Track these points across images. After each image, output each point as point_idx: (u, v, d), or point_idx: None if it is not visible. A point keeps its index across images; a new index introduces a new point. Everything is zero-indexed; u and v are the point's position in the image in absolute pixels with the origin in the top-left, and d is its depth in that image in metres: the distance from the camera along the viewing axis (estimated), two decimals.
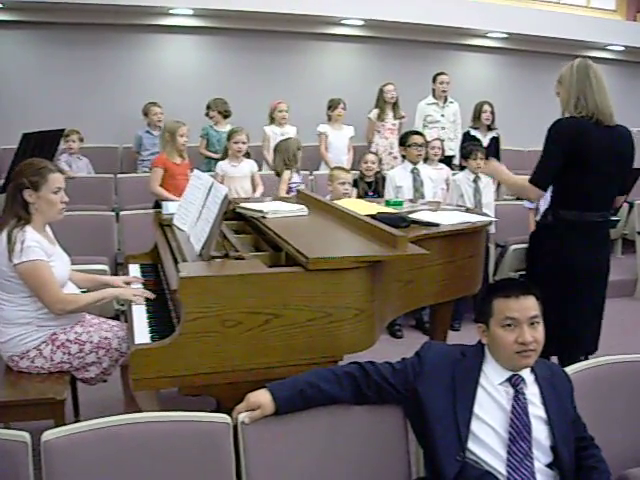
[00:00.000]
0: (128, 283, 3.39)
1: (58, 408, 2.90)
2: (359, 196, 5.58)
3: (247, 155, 6.12)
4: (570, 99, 3.41)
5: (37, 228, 3.11)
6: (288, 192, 5.69)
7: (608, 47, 10.17)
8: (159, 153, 5.79)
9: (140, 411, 2.87)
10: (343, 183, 5.18)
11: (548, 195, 3.62)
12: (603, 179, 3.39)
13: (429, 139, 6.50)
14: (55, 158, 6.54)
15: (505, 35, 9.51)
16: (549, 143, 3.43)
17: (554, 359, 3.49)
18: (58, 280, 3.11)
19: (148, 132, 7.34)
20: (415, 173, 5.56)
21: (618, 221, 7.13)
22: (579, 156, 3.33)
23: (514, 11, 9.21)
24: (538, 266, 3.60)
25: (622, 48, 10.23)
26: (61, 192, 3.18)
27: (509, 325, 2.26)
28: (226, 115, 7.36)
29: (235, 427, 2.23)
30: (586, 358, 3.46)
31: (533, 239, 3.71)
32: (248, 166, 6.03)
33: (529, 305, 2.28)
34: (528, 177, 3.51)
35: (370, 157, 5.97)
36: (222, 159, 6.18)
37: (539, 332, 2.29)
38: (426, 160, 6.10)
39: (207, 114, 7.40)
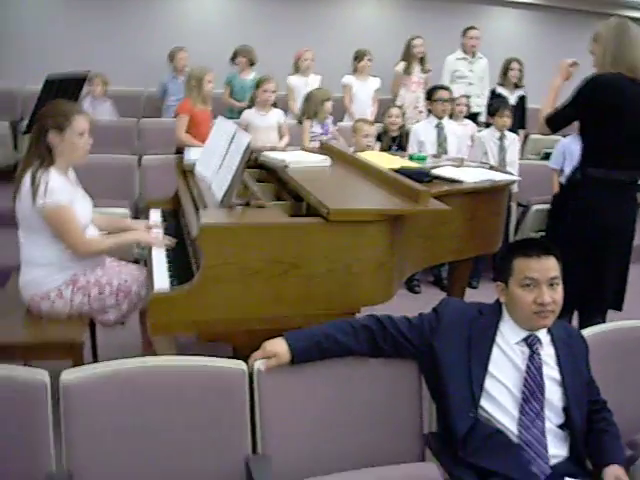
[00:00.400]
0: (149, 228, 3.40)
1: (77, 350, 2.94)
2: (382, 150, 5.54)
3: (274, 104, 6.05)
4: (606, 55, 3.39)
5: (61, 170, 3.11)
6: (311, 141, 5.67)
7: None
8: (184, 99, 5.74)
9: (157, 355, 2.90)
10: (366, 136, 5.16)
11: (575, 154, 3.59)
12: (634, 138, 3.38)
13: (456, 95, 6.42)
14: (79, 101, 6.55)
15: None
16: (579, 95, 3.43)
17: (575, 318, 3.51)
18: (81, 222, 3.13)
19: (174, 77, 7.29)
20: (440, 128, 5.50)
21: None
22: (612, 112, 3.32)
23: None
24: (562, 225, 3.59)
25: None
26: (85, 135, 3.16)
27: (528, 285, 2.25)
28: (252, 63, 7.29)
29: (251, 374, 2.25)
30: (603, 320, 3.47)
31: (558, 198, 3.69)
32: (275, 116, 5.94)
33: (549, 265, 2.26)
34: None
35: (394, 111, 5.91)
36: (249, 107, 6.10)
37: (558, 293, 2.27)
38: (451, 116, 6.04)
39: (233, 60, 7.33)
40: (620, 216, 3.49)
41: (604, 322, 3.39)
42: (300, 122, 5.94)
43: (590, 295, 3.44)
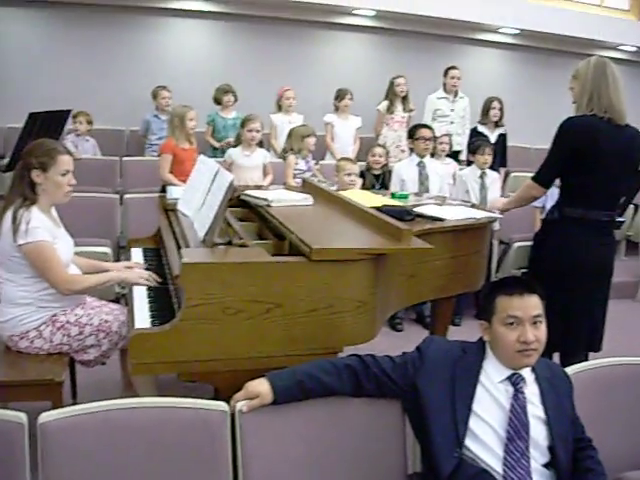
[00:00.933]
0: (127, 268, 3.38)
1: (56, 390, 2.90)
2: (365, 188, 5.56)
3: (260, 144, 6.07)
4: (584, 95, 3.41)
5: (43, 209, 3.10)
6: (294, 178, 5.69)
7: (620, 47, 10.12)
8: (167, 138, 5.76)
9: (138, 396, 2.87)
10: (349, 174, 5.18)
11: (555, 193, 3.61)
12: (610, 178, 3.38)
13: (438, 134, 6.48)
14: (61, 138, 6.55)
15: (517, 31, 9.46)
16: (557, 141, 3.44)
17: (556, 356, 3.49)
18: (62, 261, 3.10)
19: (156, 116, 7.32)
20: (421, 167, 5.53)
21: (623, 222, 7.13)
22: (588, 154, 3.33)
23: (527, 7, 9.14)
24: (542, 263, 3.59)
25: (634, 48, 10.17)
26: (69, 175, 3.16)
27: (511, 324, 2.25)
28: (232, 101, 7.34)
29: (233, 415, 2.22)
30: (586, 358, 3.46)
31: (539, 236, 3.70)
32: (261, 156, 5.95)
33: (532, 304, 2.27)
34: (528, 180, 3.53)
35: (378, 150, 5.94)
36: (234, 146, 6.12)
37: (541, 331, 2.27)
38: (433, 155, 6.08)
39: (215, 100, 7.38)
40: (598, 256, 3.48)
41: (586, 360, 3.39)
42: (284, 158, 5.96)
43: (568, 335, 3.43)
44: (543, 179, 3.55)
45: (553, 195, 3.62)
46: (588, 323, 3.53)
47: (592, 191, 3.41)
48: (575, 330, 3.45)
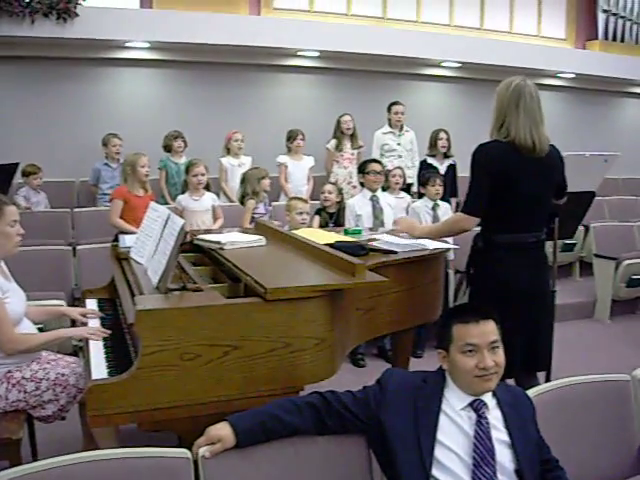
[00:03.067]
0: (84, 315, 3.34)
1: (14, 448, 2.85)
2: (321, 226, 5.58)
3: (207, 187, 6.08)
4: (497, 121, 3.40)
5: None
6: (251, 222, 5.69)
7: (559, 75, 10.39)
8: (119, 185, 5.74)
9: (99, 448, 2.81)
10: (301, 213, 5.20)
11: None
12: (529, 201, 3.36)
13: (389, 168, 6.55)
14: (10, 192, 6.51)
15: (458, 64, 9.66)
16: (474, 169, 3.41)
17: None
18: (14, 317, 3.05)
19: (106, 164, 7.30)
20: (374, 200, 5.58)
21: (574, 244, 7.26)
22: (502, 181, 3.30)
23: (467, 41, 9.36)
24: (478, 295, 3.55)
25: (572, 75, 10.46)
26: (17, 225, 3.14)
27: (470, 351, 2.27)
28: (182, 146, 7.37)
29: (196, 462, 2.19)
30: (536, 379, 3.47)
31: (469, 266, 3.66)
32: (209, 200, 5.98)
33: (488, 329, 2.29)
34: (449, 217, 3.53)
35: (328, 187, 5.98)
36: (182, 192, 6.12)
37: (499, 356, 2.30)
38: (387, 189, 6.14)
39: (165, 147, 7.38)
40: (529, 278, 3.43)
41: (537, 382, 3.40)
42: (242, 203, 5.96)
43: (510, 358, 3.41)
44: (473, 209, 3.45)
45: None
46: (526, 346, 3.46)
47: (514, 215, 3.38)
48: (517, 353, 3.39)
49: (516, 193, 3.33)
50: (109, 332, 3.08)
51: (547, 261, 3.62)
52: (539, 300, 3.52)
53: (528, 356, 3.47)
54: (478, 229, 3.55)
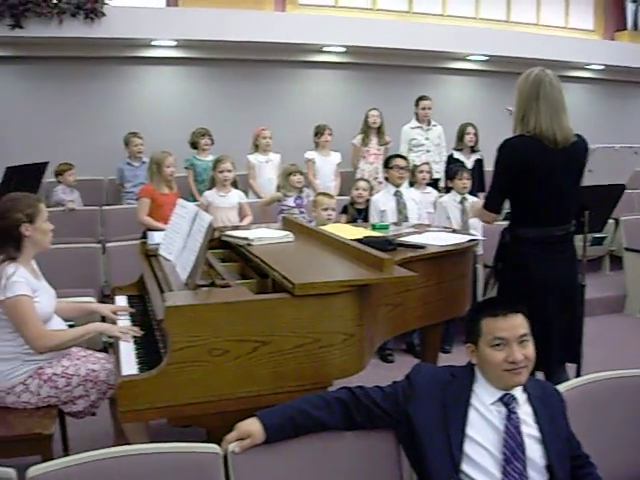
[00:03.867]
0: (115, 312, 3.37)
1: (46, 443, 2.87)
2: (348, 222, 5.58)
3: (234, 184, 6.09)
4: (519, 115, 3.38)
5: (23, 263, 3.10)
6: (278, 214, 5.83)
7: (587, 67, 10.28)
8: (145, 184, 5.77)
9: (129, 444, 2.84)
10: (326, 209, 5.21)
11: None
12: (556, 194, 3.34)
13: (417, 163, 6.53)
14: (51, 190, 6.74)
15: (485, 57, 9.59)
16: (496, 164, 3.42)
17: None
18: (43, 315, 3.09)
19: (129, 164, 7.35)
20: (398, 196, 5.56)
21: (604, 238, 7.18)
22: (527, 175, 3.29)
23: (493, 34, 9.28)
24: (506, 289, 3.54)
25: (601, 67, 10.33)
26: (48, 220, 3.19)
27: (498, 345, 2.25)
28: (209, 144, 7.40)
29: (225, 457, 2.20)
30: (565, 373, 3.45)
31: (497, 261, 3.63)
32: (236, 197, 5.98)
33: (517, 323, 2.28)
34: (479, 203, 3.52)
35: (361, 184, 5.97)
36: (209, 189, 6.15)
37: (529, 349, 2.28)
38: (413, 184, 6.12)
39: (192, 144, 7.40)
40: (558, 271, 3.41)
41: (567, 377, 3.38)
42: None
43: (540, 353, 3.37)
44: (491, 205, 3.51)
45: None
46: (559, 339, 3.45)
47: (540, 209, 3.37)
48: (547, 347, 3.37)
49: (542, 187, 3.31)
50: (141, 332, 3.10)
51: (576, 254, 3.58)
52: (569, 294, 3.49)
53: (560, 349, 3.45)
54: (506, 223, 3.52)
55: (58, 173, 6.92)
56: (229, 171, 5.83)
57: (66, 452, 3.50)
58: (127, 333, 3.07)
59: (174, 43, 8.18)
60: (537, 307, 3.21)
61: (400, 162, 5.62)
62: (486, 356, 2.27)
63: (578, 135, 3.40)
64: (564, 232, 3.44)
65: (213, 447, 2.21)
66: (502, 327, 2.26)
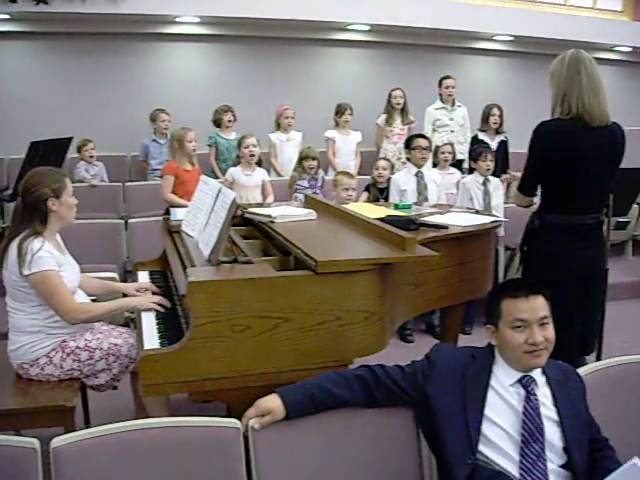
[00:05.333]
0: (139, 290, 3.39)
1: (68, 415, 2.91)
2: (370, 202, 5.56)
3: (259, 162, 6.11)
4: (558, 97, 3.30)
5: (48, 238, 3.12)
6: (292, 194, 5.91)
7: (615, 48, 10.14)
8: (168, 161, 5.79)
9: (150, 418, 2.86)
10: (347, 189, 5.21)
11: None
12: (590, 181, 3.28)
13: (439, 143, 6.49)
14: (74, 167, 6.80)
15: (511, 38, 9.49)
16: (531, 147, 3.36)
17: None
18: (68, 289, 3.11)
19: (154, 140, 7.36)
20: (419, 176, 5.53)
21: (628, 222, 7.12)
22: (561, 159, 3.23)
23: (520, 14, 9.18)
24: (531, 274, 3.51)
25: (629, 49, 10.19)
26: (72, 195, 3.22)
27: (519, 326, 2.24)
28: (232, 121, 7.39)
29: (245, 432, 2.22)
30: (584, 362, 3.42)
31: (523, 244, 3.59)
32: (260, 175, 5.99)
33: (538, 305, 2.26)
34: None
35: (381, 163, 5.95)
36: (234, 166, 6.15)
37: (549, 331, 2.27)
38: (436, 165, 6.09)
39: (215, 121, 7.40)
40: (586, 260, 3.37)
41: (585, 362, 3.35)
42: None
43: (561, 341, 3.34)
44: (525, 188, 3.47)
45: None
46: (583, 328, 3.43)
47: (573, 196, 3.31)
48: (570, 335, 3.33)
49: (576, 173, 3.25)
50: (169, 304, 3.13)
51: (604, 242, 3.55)
52: (594, 283, 3.47)
53: (581, 339, 3.43)
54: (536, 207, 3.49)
55: (78, 149, 6.95)
56: (254, 146, 5.84)
57: (87, 424, 3.54)
58: (159, 303, 3.12)
59: (198, 20, 8.16)
60: (560, 295, 3.17)
61: (422, 142, 5.58)
62: (506, 337, 2.27)
63: (614, 123, 3.33)
64: (594, 221, 3.39)
65: (234, 422, 2.22)
66: (523, 309, 2.25)
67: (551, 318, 2.29)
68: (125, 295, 3.42)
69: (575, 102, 3.23)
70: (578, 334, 3.41)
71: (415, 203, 4.90)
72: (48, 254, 3.03)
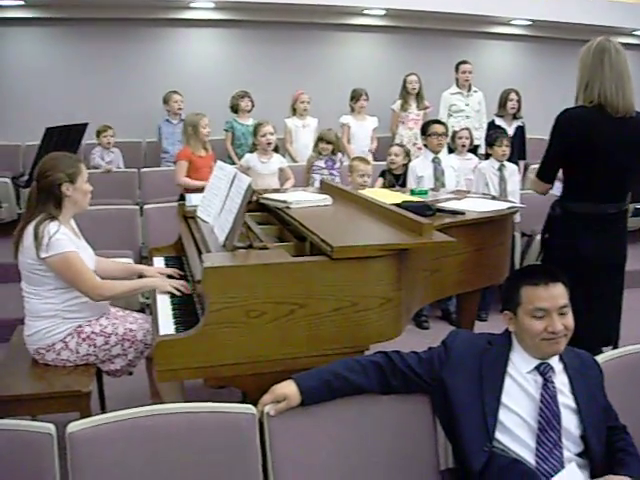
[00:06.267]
0: (161, 273, 3.39)
1: (84, 400, 2.92)
2: (385, 187, 5.53)
3: (276, 149, 6.10)
4: (582, 85, 3.28)
5: (63, 222, 3.12)
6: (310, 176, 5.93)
7: (634, 32, 10.02)
8: (183, 147, 5.79)
9: (165, 403, 2.87)
10: (362, 175, 5.19)
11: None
12: (613, 171, 3.26)
13: (456, 129, 6.45)
14: (90, 152, 6.82)
15: (529, 22, 9.38)
16: (552, 136, 3.34)
17: None
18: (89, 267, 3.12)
19: (167, 120, 7.37)
20: (436, 162, 5.49)
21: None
22: (583, 148, 3.22)
23: None
24: (551, 261, 3.48)
25: None
26: (87, 181, 3.22)
27: (539, 315, 2.22)
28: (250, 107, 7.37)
29: (260, 419, 2.21)
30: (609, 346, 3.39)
31: (544, 232, 3.57)
32: (277, 162, 5.97)
33: (558, 293, 2.24)
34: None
35: (394, 149, 5.89)
36: (250, 152, 6.14)
37: (569, 319, 2.25)
38: (453, 151, 6.04)
39: (232, 107, 7.38)
40: (607, 249, 3.35)
41: (601, 350, 3.32)
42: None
43: (583, 330, 3.30)
44: (544, 175, 3.45)
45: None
46: (603, 318, 3.42)
47: (595, 185, 3.29)
48: (590, 326, 3.31)
49: (599, 161, 3.23)
50: (189, 289, 3.13)
51: (626, 232, 3.51)
52: (616, 272, 3.45)
53: (603, 330, 3.40)
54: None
55: (97, 134, 6.96)
56: (271, 134, 5.82)
57: (103, 410, 3.56)
58: (178, 288, 3.12)
59: (212, 5, 8.13)
60: (580, 283, 3.12)
61: (438, 128, 5.53)
62: (525, 325, 2.24)
63: (638, 112, 3.30)
64: (617, 210, 3.36)
65: (249, 408, 2.22)
66: (543, 297, 2.22)
67: (570, 306, 2.26)
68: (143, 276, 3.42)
69: (597, 92, 3.21)
70: (599, 325, 3.38)
71: (432, 189, 4.87)
72: (65, 236, 3.04)
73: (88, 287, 3.06)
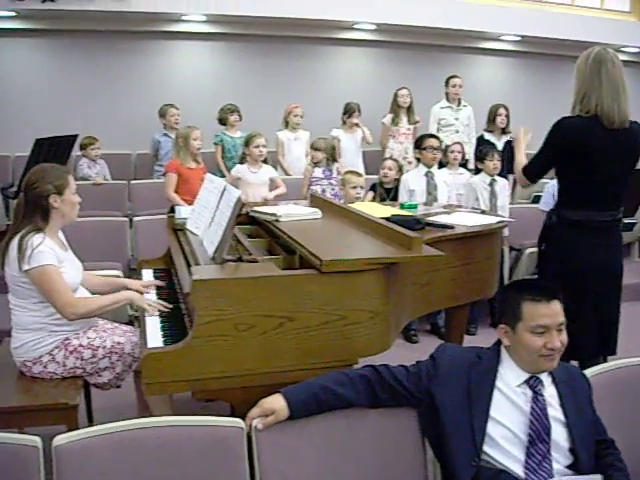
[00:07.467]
0: (145, 287, 3.37)
1: (71, 413, 2.89)
2: (376, 201, 5.54)
3: (265, 160, 6.09)
4: (578, 94, 3.31)
5: (50, 234, 3.10)
6: (309, 187, 5.88)
7: (623, 49, 10.08)
8: (172, 159, 5.79)
9: (153, 416, 2.85)
10: (355, 187, 5.20)
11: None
12: (608, 179, 3.29)
13: (447, 143, 6.47)
14: (77, 164, 6.78)
15: (518, 38, 9.46)
16: (547, 141, 3.37)
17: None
18: (70, 286, 3.09)
19: (166, 135, 7.30)
20: (429, 177, 5.51)
21: (634, 224, 7.07)
22: (578, 156, 3.25)
23: (527, 13, 9.14)
24: (547, 270, 3.51)
25: (637, 50, 10.14)
26: (76, 193, 3.21)
27: (539, 332, 2.23)
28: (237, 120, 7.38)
29: (249, 432, 2.21)
30: (605, 360, 3.39)
31: (540, 242, 3.59)
32: (267, 173, 5.97)
33: (557, 310, 2.26)
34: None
35: (388, 163, 5.90)
36: (240, 164, 6.14)
37: (564, 336, 2.27)
38: (443, 165, 6.05)
39: (220, 120, 7.39)
40: (603, 257, 3.37)
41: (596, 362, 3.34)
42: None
43: (579, 340, 3.31)
44: (530, 171, 3.49)
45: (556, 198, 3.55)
46: (598, 327, 3.42)
47: (590, 193, 3.32)
48: (585, 335, 3.34)
49: (594, 170, 3.26)
50: (169, 307, 3.08)
51: (622, 242, 3.54)
52: (611, 281, 3.45)
53: (601, 339, 3.42)
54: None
55: (81, 147, 6.91)
56: (264, 146, 5.84)
57: (91, 422, 3.54)
58: (155, 307, 3.07)
59: (204, 18, 8.15)
60: (575, 293, 3.17)
61: (433, 142, 5.54)
62: (524, 341, 2.25)
63: (634, 122, 3.34)
64: (611, 218, 3.39)
65: (237, 421, 2.21)
66: (545, 314, 2.24)
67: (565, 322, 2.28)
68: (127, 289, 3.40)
69: (594, 103, 3.24)
70: (597, 334, 3.40)
71: (424, 203, 4.88)
72: (48, 249, 3.02)
73: (60, 304, 3.01)
